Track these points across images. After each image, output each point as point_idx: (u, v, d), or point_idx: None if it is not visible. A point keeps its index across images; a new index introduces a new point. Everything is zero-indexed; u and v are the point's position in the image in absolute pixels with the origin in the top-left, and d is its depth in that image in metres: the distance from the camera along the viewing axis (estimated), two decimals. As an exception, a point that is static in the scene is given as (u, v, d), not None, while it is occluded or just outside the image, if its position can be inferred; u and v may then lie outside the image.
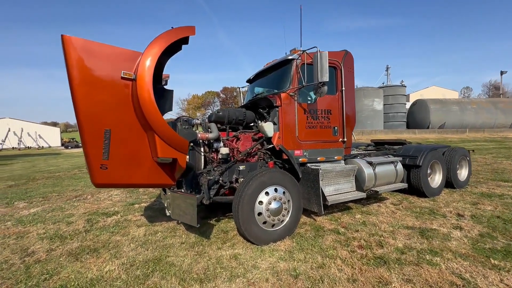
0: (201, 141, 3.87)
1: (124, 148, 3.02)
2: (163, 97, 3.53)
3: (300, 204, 3.94)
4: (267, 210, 3.56)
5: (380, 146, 7.50)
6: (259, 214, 3.55)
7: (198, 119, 4.11)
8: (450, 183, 6.37)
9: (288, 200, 3.80)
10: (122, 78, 2.82)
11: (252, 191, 3.48)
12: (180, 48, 3.35)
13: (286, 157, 4.21)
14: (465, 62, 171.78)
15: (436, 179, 6.06)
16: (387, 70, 38.69)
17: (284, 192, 3.77)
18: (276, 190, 3.70)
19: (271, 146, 4.29)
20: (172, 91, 3.65)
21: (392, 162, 5.37)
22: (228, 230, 4.15)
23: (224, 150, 3.94)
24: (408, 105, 33.26)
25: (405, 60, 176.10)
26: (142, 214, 5.13)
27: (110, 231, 4.31)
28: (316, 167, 4.20)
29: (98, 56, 2.86)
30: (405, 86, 31.64)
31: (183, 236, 3.98)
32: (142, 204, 5.90)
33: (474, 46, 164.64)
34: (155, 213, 5.18)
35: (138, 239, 3.91)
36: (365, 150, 6.59)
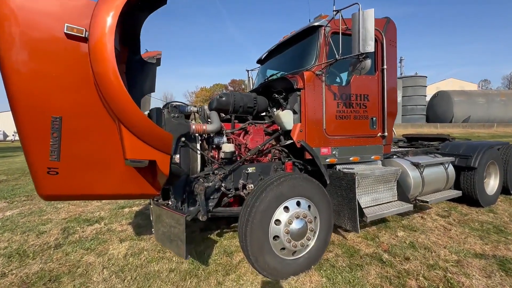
0: (197, 135, 2.87)
1: (82, 144, 2.06)
2: (142, 73, 2.52)
3: (330, 221, 2.91)
4: (287, 233, 2.55)
5: (414, 142, 6.33)
6: (276, 237, 2.55)
7: (195, 106, 3.11)
8: (505, 188, 5.18)
9: (315, 217, 2.78)
10: (68, 36, 1.83)
11: (267, 206, 2.47)
12: (164, 1, 2.32)
13: (310, 157, 3.17)
14: (483, 54, 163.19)
15: (492, 184, 4.88)
16: (400, 62, 36.40)
17: (309, 207, 2.75)
18: (298, 203, 2.68)
19: (289, 142, 3.25)
20: (155, 65, 2.62)
21: (441, 164, 4.23)
22: (232, 251, 3.19)
23: (228, 147, 2.94)
24: (428, 98, 31.20)
25: (418, 52, 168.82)
26: (130, 223, 4.24)
27: (85, 246, 3.43)
28: (350, 171, 3.15)
29: (39, 10, 1.87)
30: (426, 77, 29.55)
31: (174, 259, 3.04)
32: (133, 208, 5.02)
33: (493, 37, 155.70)
34: (145, 221, 4.27)
35: (115, 262, 3.00)
36: (399, 147, 5.45)
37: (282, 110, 3.25)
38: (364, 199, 3.35)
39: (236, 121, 3.50)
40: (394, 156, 4.33)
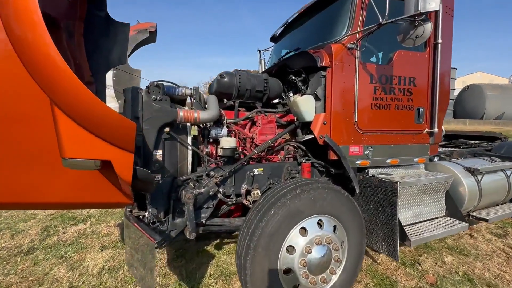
0: (188, 124, 2.18)
1: (9, 134, 1.41)
2: (109, 37, 1.83)
3: (362, 247, 2.17)
4: (303, 265, 1.83)
5: (453, 140, 5.38)
6: (288, 272, 1.84)
7: (189, 88, 2.41)
8: None
9: (342, 242, 2.04)
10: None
11: (276, 228, 1.76)
12: None
13: (335, 157, 2.41)
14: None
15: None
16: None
17: (335, 228, 2.01)
18: (320, 223, 1.95)
19: (308, 137, 2.50)
20: (128, 25, 1.90)
21: (502, 170, 3.33)
22: (232, 272, 2.53)
23: (228, 142, 2.24)
24: (456, 92, 28.84)
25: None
26: (117, 224, 3.68)
27: (59, 253, 2.89)
28: (390, 177, 2.38)
29: None
30: (456, 69, 27.15)
31: (159, 276, 2.43)
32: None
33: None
34: (136, 223, 3.69)
35: (86, 280, 2.43)
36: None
37: (301, 95, 2.48)
38: (404, 214, 2.57)
39: (243, 109, 2.78)
40: (436, 158, 3.48)
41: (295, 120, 2.65)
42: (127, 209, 2.11)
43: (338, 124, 2.40)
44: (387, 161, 2.65)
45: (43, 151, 1.39)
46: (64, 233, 3.42)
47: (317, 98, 2.46)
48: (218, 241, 3.19)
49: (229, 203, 2.34)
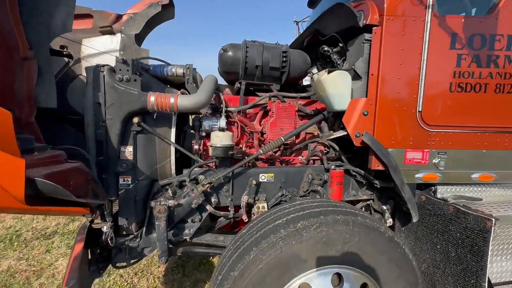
0: (166, 110, 1.64)
1: None
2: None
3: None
4: None
5: None
6: None
7: (181, 67, 1.88)
8: None
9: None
10: None
11: (255, 283, 1.11)
12: None
13: (380, 166, 1.58)
14: None
15: None
16: None
17: None
18: (339, 278, 1.21)
19: (338, 135, 1.71)
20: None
21: None
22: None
23: (219, 138, 1.65)
24: None
25: None
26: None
27: (71, 243, 2.85)
28: (477, 207, 1.43)
29: None
30: None
31: (146, 294, 2.08)
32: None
33: None
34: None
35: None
36: None
37: (331, 72, 1.66)
38: (497, 267, 1.58)
39: (261, 95, 2.12)
40: None
41: (323, 109, 1.88)
42: (88, 219, 1.75)
43: (387, 115, 1.55)
44: (472, 176, 1.66)
45: None
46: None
47: (355, 76, 1.63)
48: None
49: (229, 217, 1.78)
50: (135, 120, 1.55)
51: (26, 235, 3.04)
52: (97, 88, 1.50)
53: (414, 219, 1.61)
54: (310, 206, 1.26)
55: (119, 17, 2.28)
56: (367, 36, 1.57)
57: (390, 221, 1.86)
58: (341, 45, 1.85)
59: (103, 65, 1.50)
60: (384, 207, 1.87)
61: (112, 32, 2.21)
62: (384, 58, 1.50)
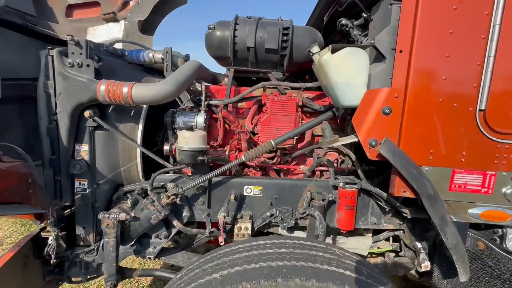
0: (120, 102, 1.32)
1: None
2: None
3: None
4: None
5: None
6: None
7: (159, 51, 1.57)
8: None
9: None
10: None
11: None
12: None
13: (408, 193, 1.03)
14: None
15: None
16: None
17: None
18: None
19: (351, 140, 1.20)
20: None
21: None
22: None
23: (185, 140, 1.29)
24: None
25: None
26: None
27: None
28: None
29: None
30: None
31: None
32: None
33: None
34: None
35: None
36: None
37: (332, 51, 1.15)
38: None
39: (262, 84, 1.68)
40: None
41: (331, 104, 1.38)
42: (37, 226, 1.55)
43: (424, 114, 1.00)
44: None
45: None
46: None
47: (376, 57, 1.10)
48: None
49: (203, 234, 1.44)
50: (86, 113, 1.29)
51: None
52: (48, 76, 1.27)
53: (462, 279, 1.03)
54: (275, 254, 0.81)
55: (125, 3, 2.14)
56: (393, 6, 1.03)
57: (426, 265, 1.29)
58: (364, 15, 1.32)
59: (52, 48, 1.26)
60: (419, 245, 1.31)
61: (116, 20, 2.07)
62: (423, 25, 0.95)
